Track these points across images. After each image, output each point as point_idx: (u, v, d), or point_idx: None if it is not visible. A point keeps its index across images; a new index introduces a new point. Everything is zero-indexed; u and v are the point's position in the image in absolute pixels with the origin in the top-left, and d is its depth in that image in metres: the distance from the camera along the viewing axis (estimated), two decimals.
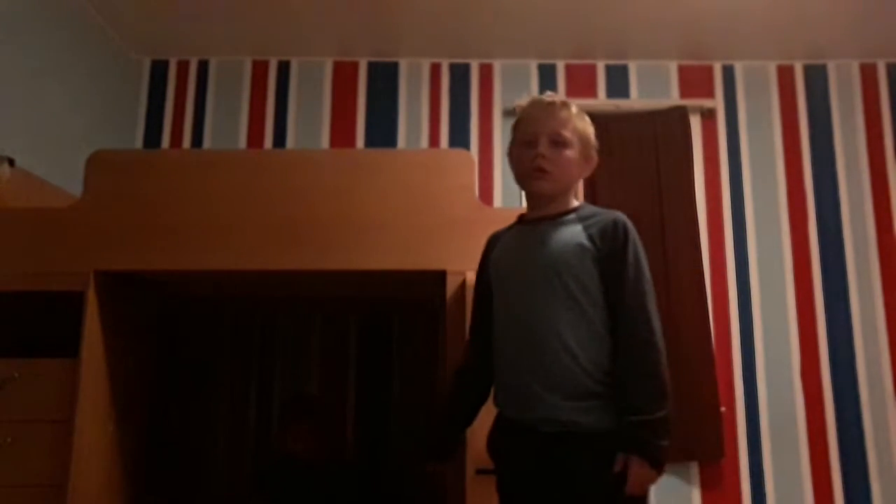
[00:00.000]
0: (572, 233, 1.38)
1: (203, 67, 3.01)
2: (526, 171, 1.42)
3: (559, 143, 1.40)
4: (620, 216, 1.39)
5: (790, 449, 2.67)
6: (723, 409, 2.65)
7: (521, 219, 1.53)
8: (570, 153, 1.42)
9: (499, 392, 1.43)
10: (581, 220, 1.41)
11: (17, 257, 1.70)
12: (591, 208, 1.46)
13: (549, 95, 1.48)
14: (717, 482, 2.64)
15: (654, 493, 2.62)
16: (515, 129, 1.48)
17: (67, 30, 2.48)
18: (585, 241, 1.36)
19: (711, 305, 2.75)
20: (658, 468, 1.24)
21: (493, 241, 1.54)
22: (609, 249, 1.36)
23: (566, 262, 1.35)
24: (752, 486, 2.64)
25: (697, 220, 2.78)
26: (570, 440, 1.28)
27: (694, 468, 2.65)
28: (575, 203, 1.47)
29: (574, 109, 1.45)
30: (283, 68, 3.01)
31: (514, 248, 1.46)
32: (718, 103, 2.96)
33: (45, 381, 1.65)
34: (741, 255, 2.83)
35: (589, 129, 1.46)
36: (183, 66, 3.01)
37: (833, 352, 2.75)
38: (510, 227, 1.54)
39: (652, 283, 1.36)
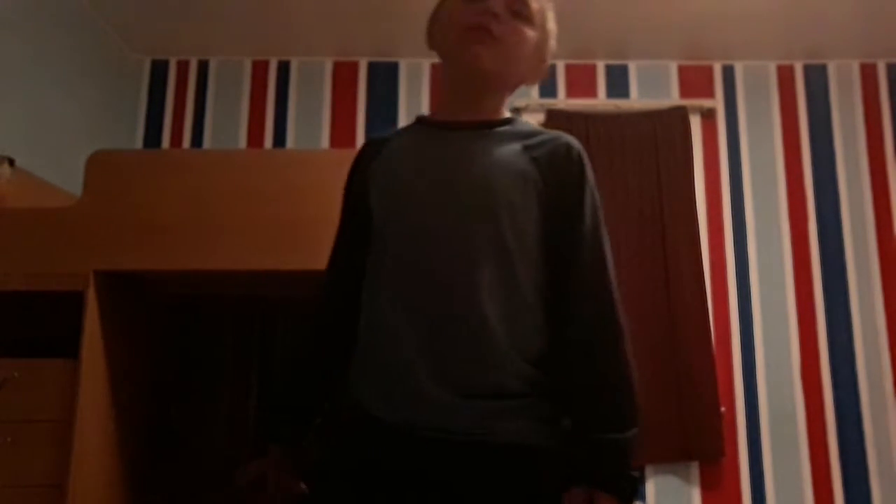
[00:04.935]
0: (511, 153, 0.95)
1: (203, 67, 3.01)
2: (463, 28, 0.96)
3: (521, 14, 0.98)
4: (574, 140, 0.99)
5: (790, 449, 2.67)
6: (723, 409, 2.65)
7: (424, 120, 1.07)
8: (531, 34, 1.00)
9: (363, 375, 0.94)
10: (521, 137, 0.98)
11: (17, 257, 1.70)
12: (528, 124, 1.04)
13: None
14: (717, 482, 2.64)
15: (653, 493, 2.62)
16: None
17: (67, 30, 2.48)
18: (529, 168, 0.93)
19: (711, 305, 2.75)
20: None
21: (375, 146, 1.06)
22: (559, 184, 0.94)
23: (506, 196, 0.91)
24: (752, 486, 2.64)
25: (697, 220, 2.78)
26: (479, 456, 0.85)
27: (694, 468, 2.65)
28: (506, 113, 1.04)
29: None
30: (283, 68, 3.00)
31: (418, 160, 0.98)
32: (718, 103, 2.96)
33: (45, 381, 1.65)
34: (741, 255, 2.83)
35: (553, 25, 1.07)
36: (183, 66, 3.01)
37: (833, 352, 2.75)
38: (402, 131, 1.08)
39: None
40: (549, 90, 2.96)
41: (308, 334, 1.08)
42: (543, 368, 0.91)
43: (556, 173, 0.94)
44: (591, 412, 0.88)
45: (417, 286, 0.91)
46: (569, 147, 0.97)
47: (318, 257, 1.73)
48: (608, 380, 0.89)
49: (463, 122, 0.99)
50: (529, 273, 0.92)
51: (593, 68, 3.00)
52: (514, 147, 0.95)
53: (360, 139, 2.93)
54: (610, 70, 3.00)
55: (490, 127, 0.99)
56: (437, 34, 1.04)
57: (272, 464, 1.05)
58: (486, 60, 0.95)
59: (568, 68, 2.99)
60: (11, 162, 1.87)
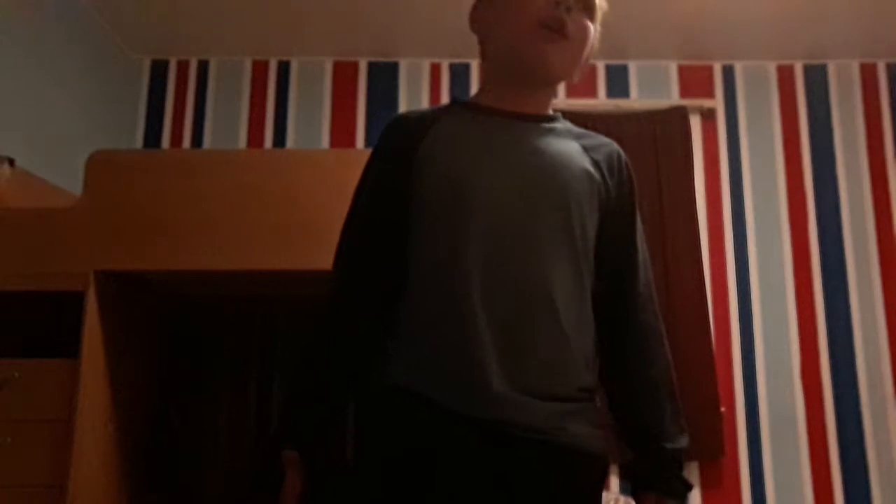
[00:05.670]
0: (574, 151, 0.92)
1: (203, 67, 3.01)
2: (536, 22, 0.90)
3: (587, 7, 0.95)
4: (619, 147, 0.99)
5: (790, 449, 2.67)
6: (723, 409, 2.65)
7: (467, 104, 0.99)
8: (592, 31, 0.97)
9: (419, 364, 0.87)
10: (575, 136, 0.95)
11: (17, 257, 1.70)
12: (570, 124, 1.00)
13: None
14: (717, 482, 2.64)
15: None
16: None
17: (67, 30, 2.48)
18: (594, 171, 0.91)
19: (711, 305, 2.75)
20: None
21: (416, 126, 0.95)
22: (618, 193, 0.94)
23: (576, 195, 0.88)
24: (752, 486, 2.64)
25: (697, 220, 2.78)
26: (549, 455, 0.84)
27: (694, 468, 2.65)
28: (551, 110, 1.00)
29: None
30: (283, 68, 3.00)
31: (482, 147, 0.91)
32: (718, 103, 2.96)
33: (45, 381, 1.65)
34: (741, 255, 2.83)
35: (598, 25, 1.02)
36: (183, 66, 3.01)
37: (833, 352, 2.74)
38: (443, 112, 0.98)
39: None
40: None
41: (333, 326, 0.98)
42: (592, 376, 0.93)
43: (614, 180, 0.94)
44: (658, 422, 0.93)
45: (489, 282, 0.85)
46: (620, 155, 0.97)
47: (318, 257, 1.73)
48: (667, 389, 0.94)
49: (517, 112, 0.94)
50: (589, 277, 0.91)
51: (593, 68, 3.00)
52: (575, 146, 0.93)
53: (361, 139, 2.93)
54: (610, 70, 3.00)
55: (548, 120, 0.95)
56: (493, 18, 0.96)
57: (295, 474, 1.01)
58: (555, 59, 0.92)
59: None
60: (11, 162, 1.87)
